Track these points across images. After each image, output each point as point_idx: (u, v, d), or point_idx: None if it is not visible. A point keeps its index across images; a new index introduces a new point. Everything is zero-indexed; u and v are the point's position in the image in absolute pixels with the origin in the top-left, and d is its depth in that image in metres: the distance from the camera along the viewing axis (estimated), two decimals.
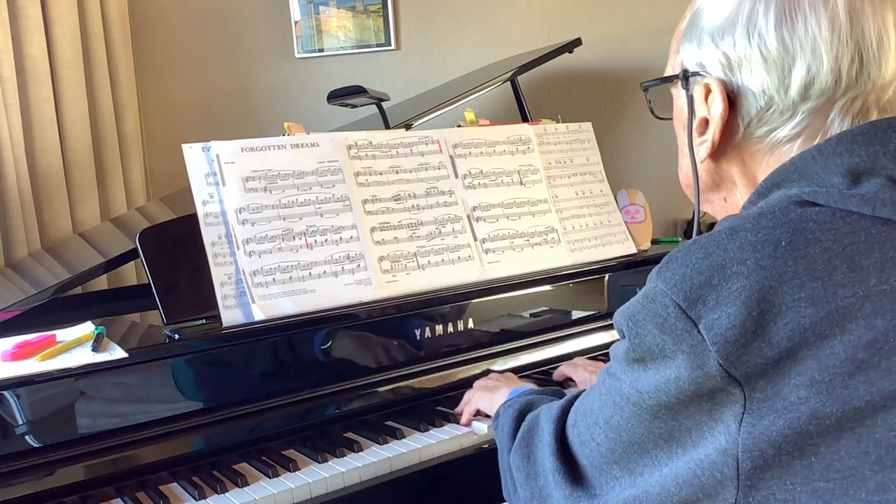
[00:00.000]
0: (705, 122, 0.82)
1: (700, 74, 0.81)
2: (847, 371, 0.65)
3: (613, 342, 1.59)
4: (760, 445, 0.67)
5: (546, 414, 0.90)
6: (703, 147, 0.82)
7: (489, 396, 1.26)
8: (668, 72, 0.87)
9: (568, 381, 1.48)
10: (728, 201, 0.86)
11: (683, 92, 0.83)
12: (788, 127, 0.76)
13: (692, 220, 0.89)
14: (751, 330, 0.66)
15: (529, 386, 1.23)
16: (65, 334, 1.20)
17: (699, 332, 0.67)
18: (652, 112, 0.93)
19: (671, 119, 0.90)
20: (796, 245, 0.67)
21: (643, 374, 0.73)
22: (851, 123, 0.74)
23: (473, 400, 1.30)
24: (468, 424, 1.30)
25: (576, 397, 0.88)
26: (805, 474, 0.66)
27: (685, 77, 0.82)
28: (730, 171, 0.83)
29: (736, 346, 0.66)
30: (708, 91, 0.80)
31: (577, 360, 1.50)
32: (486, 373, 1.45)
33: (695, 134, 0.83)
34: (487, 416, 1.31)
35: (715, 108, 0.79)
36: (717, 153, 0.82)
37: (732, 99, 0.79)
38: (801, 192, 0.72)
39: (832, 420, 0.65)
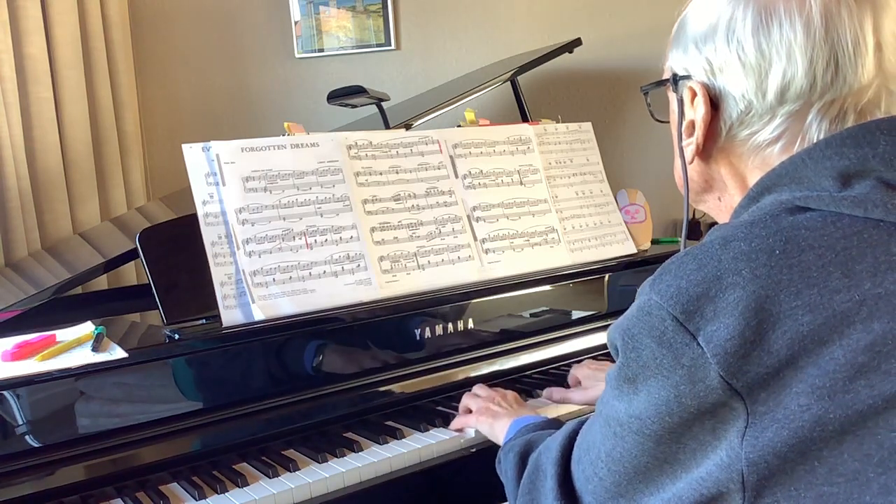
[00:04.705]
0: (692, 125, 0.84)
1: (687, 78, 0.83)
2: (848, 375, 0.65)
3: None
4: (765, 458, 0.66)
5: (546, 457, 0.89)
6: (689, 148, 0.85)
7: (490, 423, 1.20)
8: (663, 76, 0.90)
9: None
10: (722, 201, 0.88)
11: (675, 95, 0.86)
12: (769, 130, 0.78)
13: (683, 221, 0.92)
14: (750, 340, 0.66)
15: (530, 416, 1.17)
16: (65, 334, 1.20)
17: (698, 344, 0.67)
18: (651, 115, 0.95)
19: (669, 122, 0.92)
20: (790, 253, 0.68)
21: (635, 398, 0.73)
22: (829, 126, 0.75)
23: (473, 419, 1.25)
24: (459, 430, 1.27)
25: (575, 431, 0.87)
26: (809, 480, 0.66)
27: (674, 80, 0.85)
28: (719, 172, 0.85)
29: (736, 357, 0.66)
30: (693, 94, 0.83)
31: (584, 362, 1.48)
32: (487, 374, 1.45)
33: (683, 135, 0.85)
34: None
35: (699, 111, 0.82)
36: (704, 154, 0.85)
37: (715, 102, 0.81)
38: (792, 198, 0.72)
39: (835, 425, 0.65)
